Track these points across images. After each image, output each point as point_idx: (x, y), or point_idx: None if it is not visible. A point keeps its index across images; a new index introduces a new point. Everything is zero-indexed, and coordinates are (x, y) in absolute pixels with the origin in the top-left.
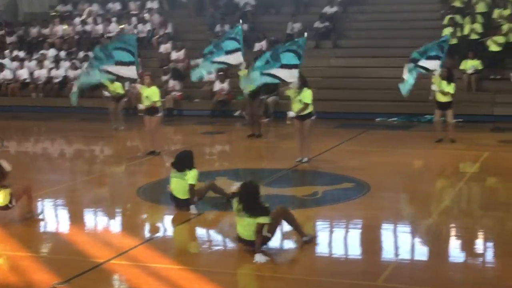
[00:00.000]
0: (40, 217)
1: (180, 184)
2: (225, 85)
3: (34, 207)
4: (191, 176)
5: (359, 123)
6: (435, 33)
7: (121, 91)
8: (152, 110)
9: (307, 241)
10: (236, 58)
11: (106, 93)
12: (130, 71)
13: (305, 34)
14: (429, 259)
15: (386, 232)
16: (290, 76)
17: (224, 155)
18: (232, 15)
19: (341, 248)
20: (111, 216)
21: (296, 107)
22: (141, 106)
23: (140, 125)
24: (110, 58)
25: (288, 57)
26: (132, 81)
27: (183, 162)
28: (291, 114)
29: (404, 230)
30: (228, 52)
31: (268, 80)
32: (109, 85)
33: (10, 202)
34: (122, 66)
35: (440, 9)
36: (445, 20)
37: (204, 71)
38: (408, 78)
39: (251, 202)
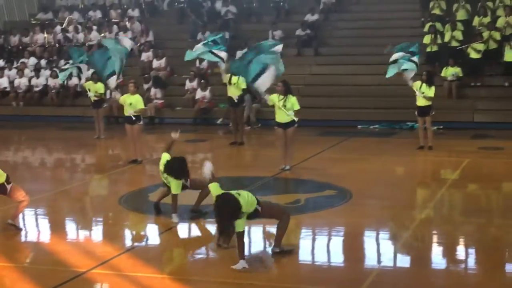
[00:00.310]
0: (19, 227)
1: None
2: (207, 93)
3: (17, 219)
4: (174, 185)
5: (341, 131)
6: (416, 40)
7: (101, 91)
8: (133, 118)
9: (276, 252)
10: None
11: (89, 94)
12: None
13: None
14: (412, 266)
15: (369, 239)
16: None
17: (214, 163)
18: (213, 23)
19: (324, 255)
20: (92, 225)
21: (279, 114)
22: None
23: (121, 134)
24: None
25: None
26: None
27: (175, 170)
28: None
29: (386, 237)
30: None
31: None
32: (91, 86)
33: (7, 181)
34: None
35: (421, 17)
36: (426, 28)
37: (197, 54)
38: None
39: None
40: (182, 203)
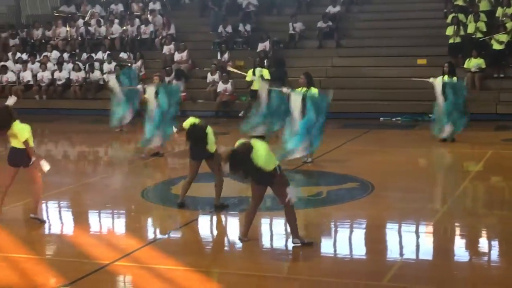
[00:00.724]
0: (43, 219)
1: None
2: (229, 86)
3: (40, 210)
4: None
5: (363, 123)
6: (438, 32)
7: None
8: None
9: (297, 244)
10: None
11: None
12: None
13: None
14: (434, 258)
15: (391, 232)
16: None
17: None
18: (235, 16)
19: (346, 248)
20: (115, 217)
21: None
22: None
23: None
24: None
25: None
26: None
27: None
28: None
29: (408, 230)
30: None
31: None
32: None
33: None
34: None
35: (443, 8)
36: (448, 19)
37: None
38: None
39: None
40: (203, 195)
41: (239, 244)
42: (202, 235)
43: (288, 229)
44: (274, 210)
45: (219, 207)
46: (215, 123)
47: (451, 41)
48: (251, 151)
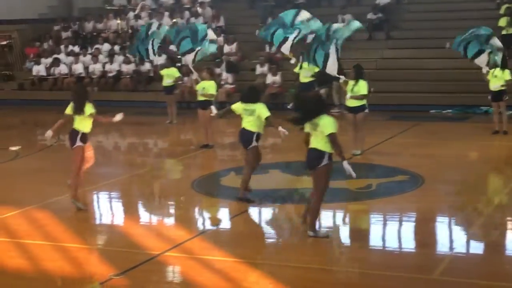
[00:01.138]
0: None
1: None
2: (277, 78)
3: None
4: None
5: (413, 115)
6: (491, 23)
7: (177, 74)
8: (206, 103)
9: (311, 236)
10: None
11: (167, 81)
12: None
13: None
14: (485, 253)
15: (441, 225)
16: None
17: (277, 148)
18: (284, 8)
19: (395, 241)
20: (165, 208)
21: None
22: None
23: (193, 119)
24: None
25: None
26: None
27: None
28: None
29: (459, 223)
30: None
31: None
32: (165, 73)
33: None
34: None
35: None
36: (502, 10)
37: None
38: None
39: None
40: (259, 187)
41: (286, 236)
42: (251, 226)
43: (335, 221)
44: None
45: (243, 199)
46: None
47: (503, 32)
48: (320, 102)
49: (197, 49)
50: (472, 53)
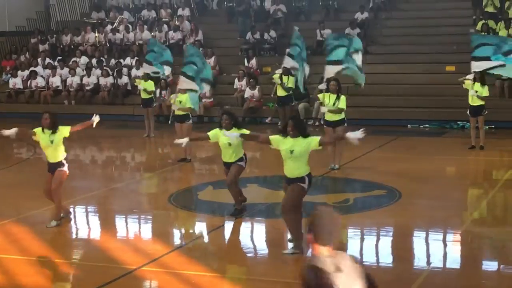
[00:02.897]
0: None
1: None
2: (256, 92)
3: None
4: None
5: (390, 130)
6: (468, 39)
7: (151, 88)
8: (183, 117)
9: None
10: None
11: (139, 87)
12: (191, 85)
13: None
14: (462, 267)
15: (418, 240)
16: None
17: (255, 162)
18: (263, 22)
19: (372, 255)
20: (143, 222)
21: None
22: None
23: (171, 132)
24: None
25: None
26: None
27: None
28: (324, 109)
29: (436, 238)
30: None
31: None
32: (142, 83)
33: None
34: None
35: (472, 15)
36: (478, 26)
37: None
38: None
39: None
40: (229, 201)
41: (263, 251)
42: (229, 240)
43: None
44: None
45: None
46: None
47: None
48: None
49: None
50: (479, 54)
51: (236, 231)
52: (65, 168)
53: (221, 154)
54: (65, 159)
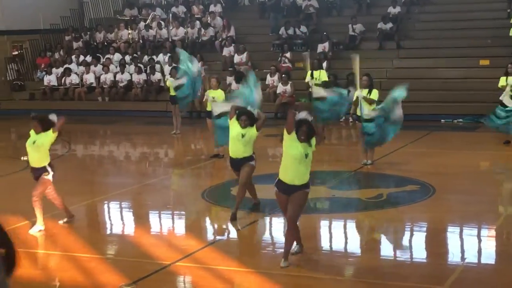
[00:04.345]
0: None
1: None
2: (288, 88)
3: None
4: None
5: (423, 125)
6: (502, 33)
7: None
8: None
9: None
10: None
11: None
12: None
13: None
14: (497, 263)
15: (452, 235)
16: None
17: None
18: (295, 18)
19: (406, 251)
20: (176, 218)
21: (365, 107)
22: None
23: (203, 128)
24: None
25: None
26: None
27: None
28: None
29: (470, 233)
30: None
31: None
32: (170, 84)
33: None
34: None
35: (507, 8)
36: None
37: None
38: None
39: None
40: (265, 197)
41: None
42: (262, 236)
43: (346, 230)
44: (332, 212)
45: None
46: (274, 125)
47: None
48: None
49: None
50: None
51: (269, 227)
52: (50, 176)
53: (229, 149)
54: (50, 165)
